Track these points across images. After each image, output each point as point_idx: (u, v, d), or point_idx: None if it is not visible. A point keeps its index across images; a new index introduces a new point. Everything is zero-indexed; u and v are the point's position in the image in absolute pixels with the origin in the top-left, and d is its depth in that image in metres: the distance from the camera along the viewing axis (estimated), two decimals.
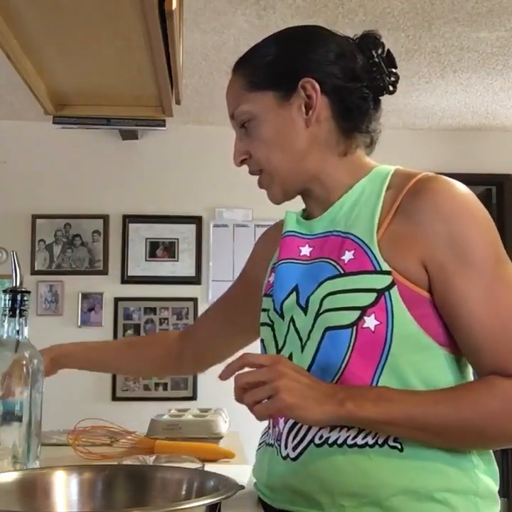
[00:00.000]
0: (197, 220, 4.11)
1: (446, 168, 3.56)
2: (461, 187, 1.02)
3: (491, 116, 4.03)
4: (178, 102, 1.65)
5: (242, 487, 0.80)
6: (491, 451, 1.03)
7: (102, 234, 4.07)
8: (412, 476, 0.95)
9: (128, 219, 4.09)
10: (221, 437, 1.65)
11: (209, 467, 1.05)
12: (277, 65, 1.08)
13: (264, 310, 1.14)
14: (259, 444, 1.14)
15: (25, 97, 2.01)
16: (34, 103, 1.67)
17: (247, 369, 0.96)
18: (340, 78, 1.07)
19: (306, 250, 1.10)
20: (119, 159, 4.11)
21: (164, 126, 1.81)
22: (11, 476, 0.88)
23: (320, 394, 0.93)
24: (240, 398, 0.93)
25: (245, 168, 1.13)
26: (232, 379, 0.95)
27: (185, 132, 4.05)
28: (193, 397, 3.96)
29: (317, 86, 1.06)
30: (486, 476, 1.00)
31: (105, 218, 4.08)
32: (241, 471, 1.28)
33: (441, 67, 3.35)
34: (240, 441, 1.73)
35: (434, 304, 0.99)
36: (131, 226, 4.09)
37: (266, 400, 0.92)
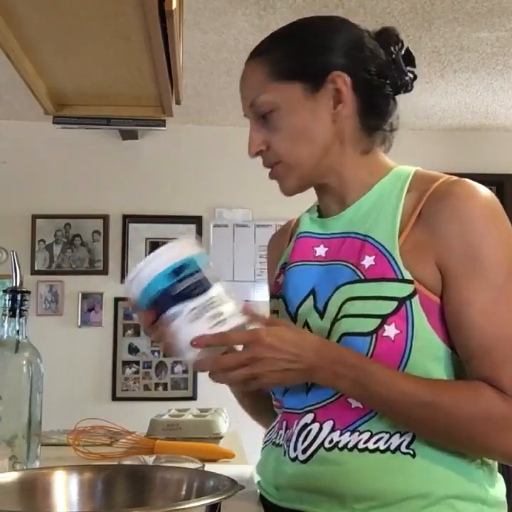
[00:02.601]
0: (197, 220, 4.11)
1: (446, 168, 3.55)
2: (484, 192, 0.99)
3: (491, 116, 4.03)
4: (178, 102, 1.65)
5: (242, 487, 0.79)
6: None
7: (102, 234, 4.07)
8: (422, 482, 0.95)
9: (128, 219, 4.09)
10: (221, 437, 1.65)
11: (209, 467, 1.05)
12: (306, 55, 1.04)
13: (273, 312, 1.12)
14: (265, 442, 1.14)
15: (25, 97, 2.02)
16: (34, 103, 1.68)
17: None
18: (367, 74, 1.04)
19: (321, 251, 1.08)
20: (119, 159, 4.11)
21: (164, 126, 1.82)
22: (11, 476, 0.87)
23: (302, 367, 0.93)
24: (223, 380, 0.94)
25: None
26: None
27: (185, 132, 4.05)
28: (193, 397, 3.95)
29: (348, 80, 1.02)
30: (495, 484, 1.00)
31: (105, 218, 4.08)
32: (241, 471, 1.28)
33: (441, 67, 3.35)
34: (240, 441, 1.73)
35: (442, 309, 0.98)
36: (131, 226, 4.09)
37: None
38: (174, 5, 1.14)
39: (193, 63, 3.22)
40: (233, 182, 4.03)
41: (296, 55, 1.04)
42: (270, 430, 1.13)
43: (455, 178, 1.02)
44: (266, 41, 1.08)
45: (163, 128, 1.82)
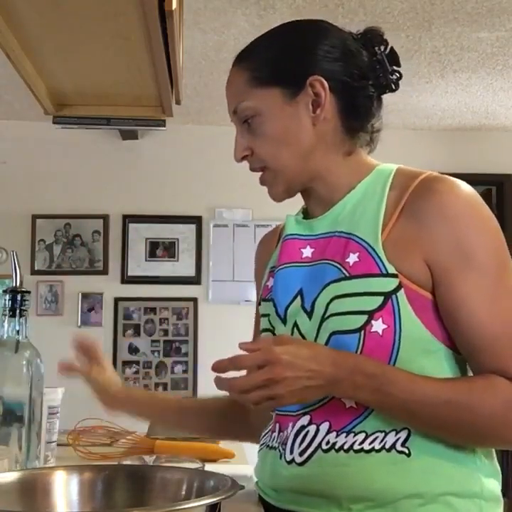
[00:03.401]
0: (197, 220, 4.11)
1: (446, 168, 3.55)
2: (466, 188, 1.00)
3: (491, 116, 4.03)
4: (178, 102, 1.65)
5: (242, 487, 0.80)
6: (493, 452, 1.03)
7: (102, 234, 4.07)
8: (418, 481, 0.95)
9: (128, 219, 4.09)
10: None
11: (209, 467, 1.05)
12: (284, 60, 1.05)
13: (264, 315, 1.12)
14: (260, 445, 1.14)
15: (25, 97, 2.02)
16: (34, 103, 1.67)
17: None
18: (347, 76, 1.04)
19: (307, 252, 1.08)
20: (119, 159, 4.11)
21: (164, 126, 1.81)
22: (11, 476, 0.87)
23: (322, 383, 0.91)
24: (239, 399, 0.92)
25: (245, 167, 1.12)
26: (232, 375, 0.93)
27: (185, 132, 4.05)
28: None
29: (326, 84, 1.03)
30: (490, 478, 1.00)
31: (105, 218, 4.08)
32: (241, 471, 1.28)
33: (441, 67, 3.35)
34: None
35: (436, 306, 0.98)
36: (131, 226, 4.09)
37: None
38: (174, 5, 1.14)
39: (193, 63, 3.22)
40: (233, 182, 4.03)
41: (275, 60, 1.06)
42: (266, 433, 1.13)
43: (436, 174, 1.03)
44: (247, 48, 1.10)
45: (163, 128, 1.82)
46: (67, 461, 1.33)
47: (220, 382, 0.91)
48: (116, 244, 4.08)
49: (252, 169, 1.10)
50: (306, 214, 1.15)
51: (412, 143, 4.04)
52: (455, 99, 3.77)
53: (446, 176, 1.02)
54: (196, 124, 4.12)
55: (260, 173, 1.10)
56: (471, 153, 4.22)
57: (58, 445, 1.36)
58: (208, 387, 4.01)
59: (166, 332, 4.06)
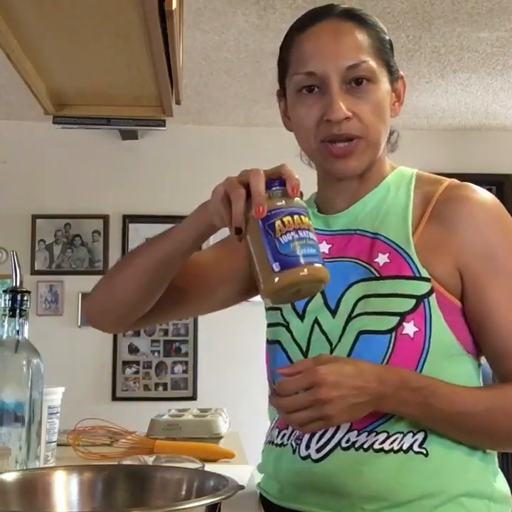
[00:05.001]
0: None
1: (446, 168, 3.56)
2: (488, 194, 1.03)
3: (491, 116, 4.03)
4: (178, 102, 1.65)
5: (242, 487, 0.79)
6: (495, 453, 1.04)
7: (102, 234, 4.07)
8: (434, 481, 0.95)
9: (128, 219, 4.09)
10: (221, 437, 1.65)
11: (209, 467, 1.05)
12: (391, 49, 1.08)
13: (274, 309, 1.10)
14: (266, 442, 1.13)
15: (25, 97, 2.01)
16: (34, 103, 1.68)
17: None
18: None
19: (323, 247, 1.06)
20: (119, 159, 4.11)
21: (164, 126, 1.81)
22: (11, 476, 0.87)
23: (369, 398, 0.91)
24: (286, 419, 0.92)
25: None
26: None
27: (185, 132, 4.05)
28: (193, 397, 3.95)
29: (405, 84, 1.10)
30: (499, 478, 1.01)
31: (105, 218, 4.08)
32: (241, 471, 1.28)
33: (441, 67, 3.35)
34: (240, 441, 1.73)
35: (463, 312, 0.99)
36: (131, 226, 4.09)
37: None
38: (174, 5, 1.14)
39: (193, 63, 3.22)
40: None
41: (388, 44, 1.08)
42: (271, 430, 1.13)
43: (458, 181, 1.05)
44: (362, 15, 1.06)
45: (163, 128, 1.82)
46: (67, 461, 1.33)
47: (271, 400, 0.93)
48: (116, 244, 4.08)
49: (347, 134, 1.01)
50: (319, 206, 1.13)
51: (412, 143, 4.03)
52: (455, 99, 3.77)
53: (470, 184, 1.04)
54: (196, 124, 4.12)
55: (345, 143, 1.01)
56: (471, 153, 4.22)
57: (58, 445, 1.36)
58: (208, 387, 4.03)
59: (165, 332, 4.06)
